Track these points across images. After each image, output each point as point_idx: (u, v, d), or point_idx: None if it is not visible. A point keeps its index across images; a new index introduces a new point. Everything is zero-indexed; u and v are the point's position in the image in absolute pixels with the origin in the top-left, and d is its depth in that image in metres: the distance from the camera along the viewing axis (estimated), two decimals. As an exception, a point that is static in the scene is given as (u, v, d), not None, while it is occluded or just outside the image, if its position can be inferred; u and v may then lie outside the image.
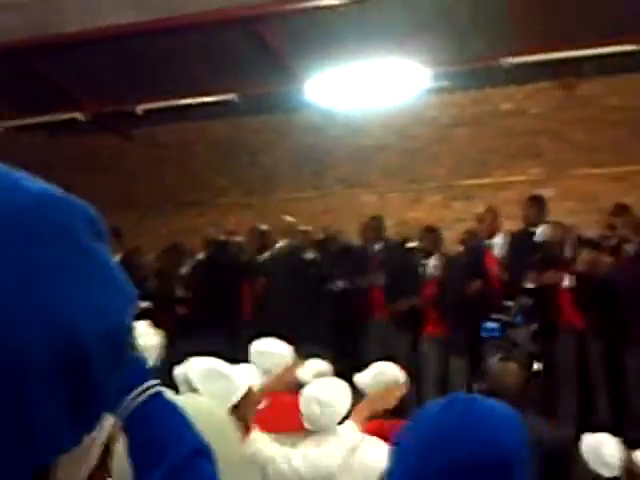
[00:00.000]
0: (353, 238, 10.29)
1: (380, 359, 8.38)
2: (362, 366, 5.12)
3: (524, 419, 3.96)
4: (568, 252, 8.16)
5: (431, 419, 1.59)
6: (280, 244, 9.32)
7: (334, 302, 9.12)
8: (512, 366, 4.44)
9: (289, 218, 9.70)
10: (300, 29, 10.17)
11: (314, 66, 9.82)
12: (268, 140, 12.30)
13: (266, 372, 4.75)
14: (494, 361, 4.52)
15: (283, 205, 11.81)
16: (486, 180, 11.32)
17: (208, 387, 3.58)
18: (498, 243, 9.00)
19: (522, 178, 11.11)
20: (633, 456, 4.15)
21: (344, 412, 4.22)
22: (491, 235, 9.09)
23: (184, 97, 11.17)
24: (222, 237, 10.09)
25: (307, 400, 4.20)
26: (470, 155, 11.45)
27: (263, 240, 9.57)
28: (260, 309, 9.05)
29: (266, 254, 9.35)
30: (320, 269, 9.15)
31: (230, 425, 1.95)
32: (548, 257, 8.15)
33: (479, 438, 1.52)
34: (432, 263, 8.87)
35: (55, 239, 0.78)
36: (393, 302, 8.78)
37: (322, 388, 4.26)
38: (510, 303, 7.47)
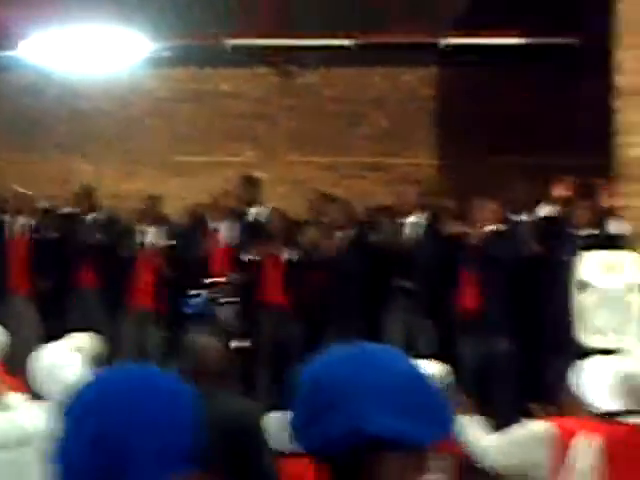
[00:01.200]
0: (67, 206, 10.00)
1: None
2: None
3: (218, 395, 4.04)
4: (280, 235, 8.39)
5: (85, 390, 1.42)
6: None
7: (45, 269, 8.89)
8: (213, 342, 4.46)
9: None
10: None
11: (31, 25, 9.44)
12: (-22, 98, 11.66)
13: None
14: (195, 337, 4.54)
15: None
16: (203, 158, 11.37)
17: None
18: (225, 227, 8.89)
19: (238, 159, 11.26)
20: None
21: None
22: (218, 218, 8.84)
23: None
24: None
25: None
26: (188, 132, 11.40)
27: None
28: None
29: None
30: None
31: None
32: (266, 236, 8.35)
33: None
34: (153, 233, 8.73)
35: None
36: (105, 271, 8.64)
37: None
38: (213, 280, 7.55)
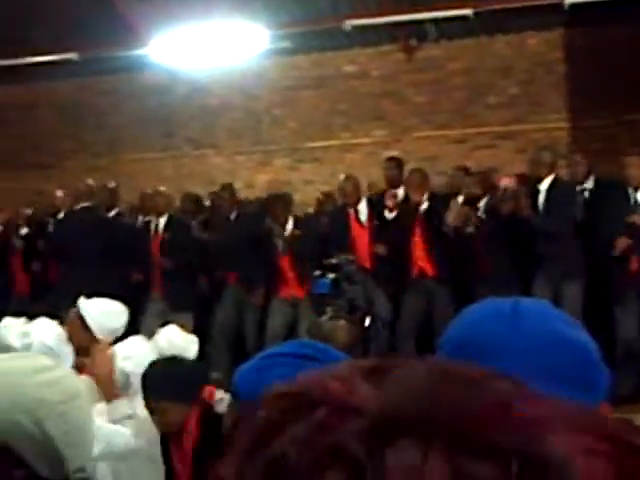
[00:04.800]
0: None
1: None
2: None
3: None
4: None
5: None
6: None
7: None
8: (342, 323, 4.48)
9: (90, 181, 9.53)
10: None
11: (157, 26, 9.68)
12: (113, 101, 12.05)
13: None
14: (324, 319, 4.56)
15: (131, 166, 11.68)
16: (332, 142, 11.42)
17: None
18: (362, 210, 8.81)
19: (366, 140, 11.26)
20: None
21: None
22: (355, 202, 8.81)
23: (22, 56, 10.79)
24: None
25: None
26: (314, 118, 11.49)
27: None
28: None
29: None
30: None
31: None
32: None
33: None
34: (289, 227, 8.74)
35: None
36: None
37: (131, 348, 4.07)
38: (335, 260, 7.48)
